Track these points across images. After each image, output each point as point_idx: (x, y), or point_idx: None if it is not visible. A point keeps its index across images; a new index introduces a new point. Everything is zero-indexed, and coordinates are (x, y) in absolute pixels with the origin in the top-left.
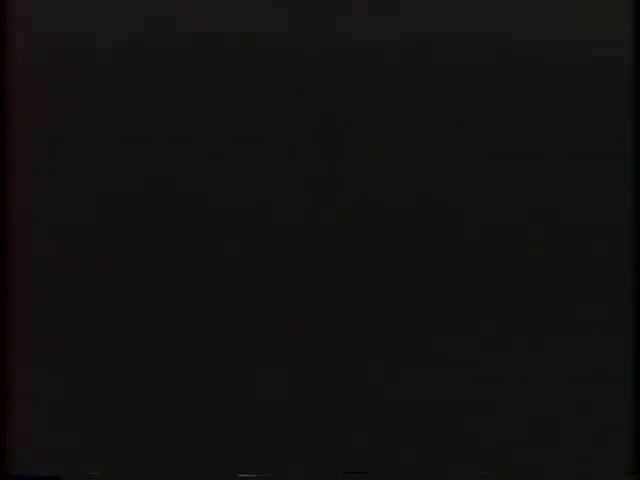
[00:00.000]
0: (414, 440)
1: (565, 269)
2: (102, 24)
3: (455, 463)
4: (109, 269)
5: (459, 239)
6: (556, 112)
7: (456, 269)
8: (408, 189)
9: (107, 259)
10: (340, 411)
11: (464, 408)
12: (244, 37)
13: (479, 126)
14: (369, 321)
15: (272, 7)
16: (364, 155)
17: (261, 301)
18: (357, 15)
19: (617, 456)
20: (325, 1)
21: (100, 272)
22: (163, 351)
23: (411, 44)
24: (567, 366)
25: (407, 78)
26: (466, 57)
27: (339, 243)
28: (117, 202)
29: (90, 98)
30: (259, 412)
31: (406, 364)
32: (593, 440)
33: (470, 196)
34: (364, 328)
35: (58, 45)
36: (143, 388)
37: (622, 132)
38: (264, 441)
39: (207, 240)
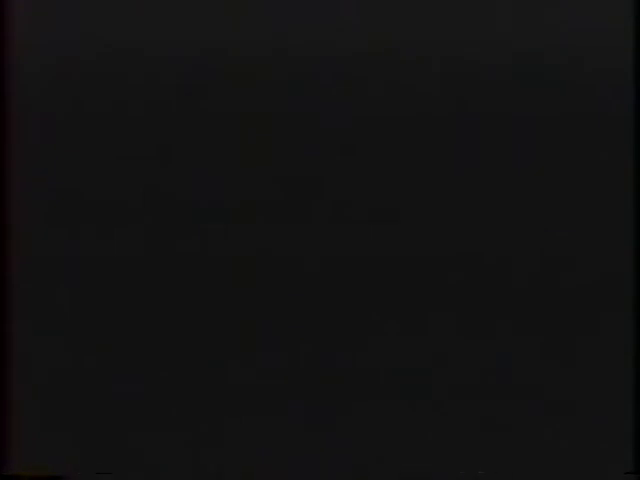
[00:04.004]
0: (416, 441)
1: (564, 269)
2: (102, 26)
3: (456, 462)
4: (109, 268)
5: (456, 238)
6: (555, 112)
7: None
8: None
9: (107, 259)
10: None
11: (469, 406)
12: (249, 44)
13: (479, 124)
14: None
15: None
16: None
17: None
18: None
19: (617, 456)
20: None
21: (100, 271)
22: (163, 351)
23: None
24: (568, 366)
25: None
26: (464, 56)
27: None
28: (117, 202)
29: (90, 98)
30: (262, 411)
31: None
32: (593, 440)
33: (468, 195)
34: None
35: (58, 46)
36: (144, 387)
37: (622, 132)
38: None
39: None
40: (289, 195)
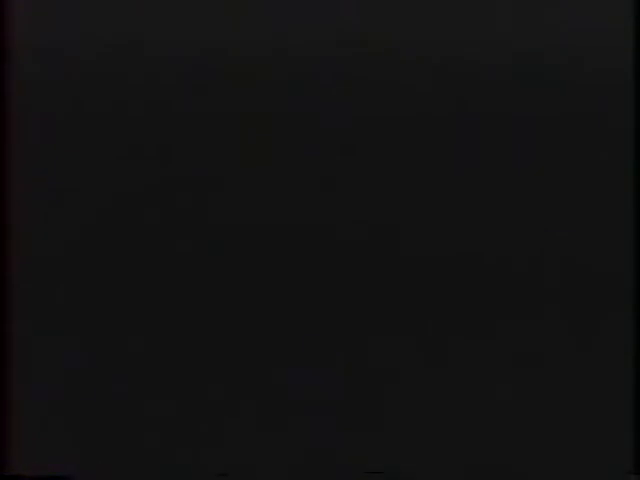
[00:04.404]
0: (415, 442)
1: (564, 269)
2: (102, 26)
3: (456, 462)
4: (109, 268)
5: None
6: (555, 112)
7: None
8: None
9: (107, 259)
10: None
11: (469, 406)
12: (250, 45)
13: (479, 124)
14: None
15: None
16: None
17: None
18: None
19: (617, 456)
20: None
21: (100, 271)
22: (164, 350)
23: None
24: (568, 366)
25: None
26: (464, 56)
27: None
28: (117, 203)
29: (90, 98)
30: (268, 412)
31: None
32: (593, 440)
33: (468, 195)
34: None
35: (58, 46)
36: (144, 387)
37: (622, 132)
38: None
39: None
40: (289, 195)
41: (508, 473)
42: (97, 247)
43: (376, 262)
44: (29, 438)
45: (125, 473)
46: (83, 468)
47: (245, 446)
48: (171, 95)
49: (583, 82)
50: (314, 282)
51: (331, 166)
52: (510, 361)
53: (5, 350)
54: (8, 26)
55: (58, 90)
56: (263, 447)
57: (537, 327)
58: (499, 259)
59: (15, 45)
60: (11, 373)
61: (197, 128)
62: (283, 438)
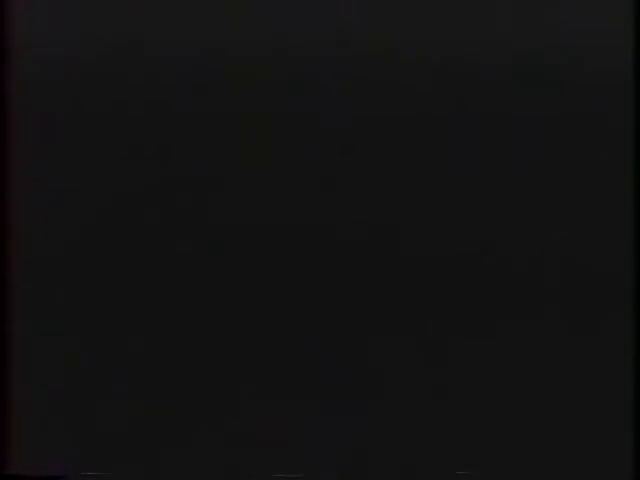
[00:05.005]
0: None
1: (564, 270)
2: (102, 24)
3: (456, 461)
4: (109, 268)
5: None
6: (555, 112)
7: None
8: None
9: (107, 259)
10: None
11: (469, 406)
12: (250, 46)
13: (479, 124)
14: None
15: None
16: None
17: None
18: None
19: (617, 457)
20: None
21: (100, 271)
22: (164, 350)
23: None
24: (568, 366)
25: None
26: (464, 56)
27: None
28: (117, 203)
29: (90, 98)
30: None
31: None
32: (593, 441)
33: (468, 194)
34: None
35: (58, 46)
36: (144, 387)
37: (622, 132)
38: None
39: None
40: (289, 195)
41: (508, 473)
42: (97, 247)
43: (376, 262)
44: (29, 438)
45: (125, 473)
46: (83, 468)
47: (245, 446)
48: (171, 95)
49: (583, 82)
50: (314, 281)
51: (331, 166)
52: (510, 361)
53: (5, 350)
54: (8, 26)
55: (58, 90)
56: (263, 447)
57: (537, 327)
58: (499, 259)
59: (15, 45)
60: (11, 373)
61: (197, 128)
62: (283, 438)
